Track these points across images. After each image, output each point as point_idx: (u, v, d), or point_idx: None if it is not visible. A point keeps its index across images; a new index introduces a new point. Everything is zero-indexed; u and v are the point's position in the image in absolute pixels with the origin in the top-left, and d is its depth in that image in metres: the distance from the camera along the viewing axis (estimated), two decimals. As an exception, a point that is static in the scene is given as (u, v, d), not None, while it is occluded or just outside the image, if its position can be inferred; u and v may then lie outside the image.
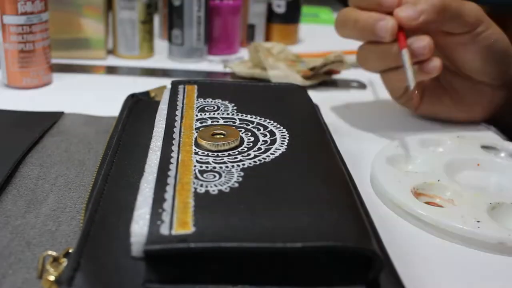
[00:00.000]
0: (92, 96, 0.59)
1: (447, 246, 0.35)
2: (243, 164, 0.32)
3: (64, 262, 0.26)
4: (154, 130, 0.36)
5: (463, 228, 0.34)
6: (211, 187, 0.29)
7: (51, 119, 0.50)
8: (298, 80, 0.63)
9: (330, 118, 0.48)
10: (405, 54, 0.44)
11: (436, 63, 0.45)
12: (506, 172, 0.42)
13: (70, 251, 0.27)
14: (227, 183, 0.29)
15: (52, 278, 0.25)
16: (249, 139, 0.35)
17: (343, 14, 0.49)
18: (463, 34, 0.47)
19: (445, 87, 0.52)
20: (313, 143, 0.35)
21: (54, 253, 0.27)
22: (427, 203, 0.38)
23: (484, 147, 0.45)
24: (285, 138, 0.35)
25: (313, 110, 0.42)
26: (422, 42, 0.45)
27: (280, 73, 0.64)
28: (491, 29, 0.47)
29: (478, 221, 0.35)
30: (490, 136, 0.51)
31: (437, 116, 0.54)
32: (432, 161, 0.42)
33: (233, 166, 0.31)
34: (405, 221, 0.37)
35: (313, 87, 0.64)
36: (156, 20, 0.84)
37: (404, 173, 0.41)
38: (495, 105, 0.53)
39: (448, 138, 0.46)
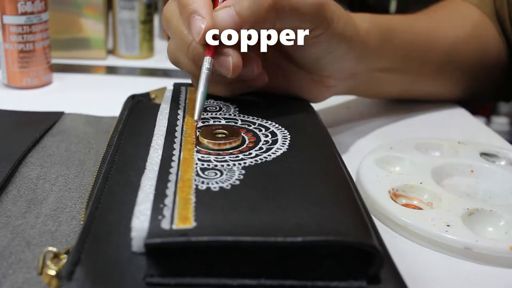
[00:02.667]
0: (92, 96, 0.59)
1: (415, 248, 0.34)
2: (245, 163, 0.32)
3: (65, 258, 0.26)
4: (155, 129, 0.36)
5: (431, 231, 0.34)
6: (212, 184, 0.29)
7: (51, 119, 0.50)
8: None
9: (330, 118, 0.48)
10: (206, 62, 0.37)
11: (262, 83, 0.42)
12: (499, 180, 0.41)
13: (71, 250, 0.27)
14: (228, 180, 0.29)
15: (52, 273, 0.25)
16: (250, 139, 0.35)
17: (166, 11, 0.41)
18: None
19: (275, 69, 0.45)
20: (314, 144, 0.36)
21: (54, 249, 0.27)
22: (406, 205, 0.38)
23: (484, 154, 0.45)
24: (286, 138, 0.35)
25: (313, 111, 0.42)
26: (249, 69, 0.39)
27: None
28: (338, 24, 0.40)
29: (448, 225, 0.34)
30: (494, 143, 0.50)
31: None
32: (420, 164, 0.42)
33: (234, 165, 0.31)
34: (379, 221, 0.37)
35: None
36: (156, 20, 0.84)
37: (387, 174, 0.41)
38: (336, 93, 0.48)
39: (448, 143, 0.46)
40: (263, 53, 0.41)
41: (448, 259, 0.33)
